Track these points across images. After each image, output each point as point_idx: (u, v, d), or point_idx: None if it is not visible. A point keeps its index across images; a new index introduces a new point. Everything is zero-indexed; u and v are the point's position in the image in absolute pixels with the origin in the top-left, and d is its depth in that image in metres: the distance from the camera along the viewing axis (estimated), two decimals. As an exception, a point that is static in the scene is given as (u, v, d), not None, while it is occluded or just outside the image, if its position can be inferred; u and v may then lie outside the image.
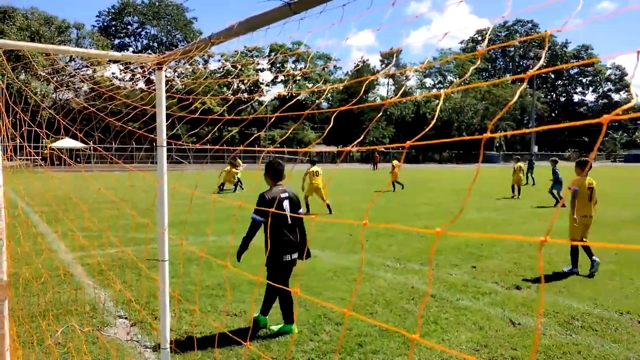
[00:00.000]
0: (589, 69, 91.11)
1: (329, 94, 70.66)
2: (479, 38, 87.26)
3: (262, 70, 65.68)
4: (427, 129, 1.25)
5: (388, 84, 79.96)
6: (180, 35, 69.41)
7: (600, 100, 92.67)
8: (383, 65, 77.35)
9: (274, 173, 4.82)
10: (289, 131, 56.66)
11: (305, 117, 65.67)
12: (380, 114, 64.22)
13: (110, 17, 68.20)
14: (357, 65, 56.33)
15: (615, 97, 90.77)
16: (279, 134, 58.69)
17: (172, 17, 69.14)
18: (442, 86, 74.54)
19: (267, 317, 4.91)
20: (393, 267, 7.39)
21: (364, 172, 39.45)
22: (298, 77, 68.21)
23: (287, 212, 4.67)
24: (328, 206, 13.09)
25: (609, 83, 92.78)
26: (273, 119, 56.65)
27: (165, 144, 4.05)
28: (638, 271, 7.12)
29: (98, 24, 68.33)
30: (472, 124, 69.17)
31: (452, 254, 8.23)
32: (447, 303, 5.66)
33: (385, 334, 4.69)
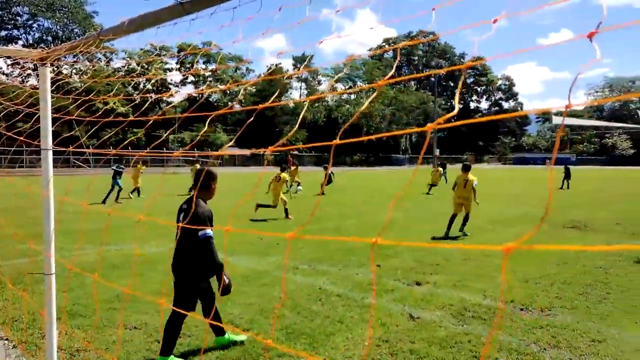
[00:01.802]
0: (482, 79, 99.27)
1: (242, 97, 69.76)
2: (387, 46, 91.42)
3: (171, 70, 63.08)
4: (290, 134, 1.27)
5: (301, 88, 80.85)
6: (79, 30, 64.28)
7: (492, 108, 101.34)
8: (295, 69, 77.99)
9: (193, 181, 4.37)
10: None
11: (217, 119, 64.21)
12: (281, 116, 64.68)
13: (-6, 5, 61.37)
14: (270, 68, 56.29)
15: (505, 105, 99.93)
16: (189, 136, 56.72)
17: (69, 9, 63.87)
18: (352, 91, 76.88)
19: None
20: (303, 269, 7.46)
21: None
22: (209, 79, 66.59)
23: (180, 225, 4.03)
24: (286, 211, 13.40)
25: (499, 92, 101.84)
26: (181, 121, 54.63)
27: (51, 146, 3.73)
28: (522, 263, 7.86)
29: (-21, 12, 61.15)
30: (379, 128, 72.15)
31: (361, 254, 8.50)
32: (353, 302, 5.83)
33: (291, 337, 4.71)
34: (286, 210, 13.33)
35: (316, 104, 74.15)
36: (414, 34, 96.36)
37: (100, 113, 3.48)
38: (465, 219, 10.73)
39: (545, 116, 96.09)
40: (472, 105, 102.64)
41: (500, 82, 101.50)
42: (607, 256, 8.37)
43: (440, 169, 24.43)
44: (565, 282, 6.82)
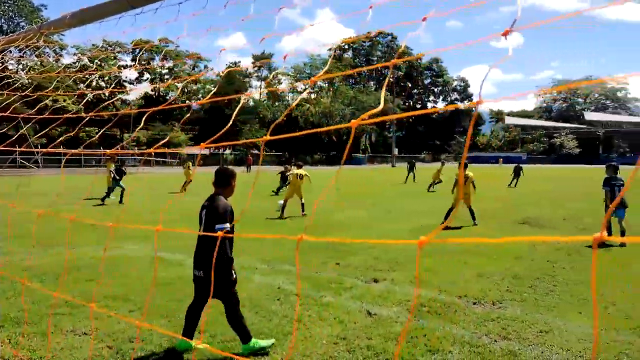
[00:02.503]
0: (439, 79, 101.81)
1: (200, 95, 68.57)
2: (346, 47, 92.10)
3: (125, 67, 61.10)
4: (221, 132, 1.25)
5: (260, 86, 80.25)
6: (25, 23, 61.22)
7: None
8: (255, 69, 77.44)
9: (214, 179, 4.36)
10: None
11: (174, 118, 62.76)
12: (253, 116, 64.03)
13: None
14: (229, 66, 55.54)
15: (461, 105, 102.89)
16: (145, 135, 55.12)
17: (15, 2, 60.75)
18: (312, 91, 76.95)
19: (190, 341, 4.24)
20: (262, 269, 7.40)
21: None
22: (166, 76, 65.02)
23: (202, 223, 4.28)
24: (302, 206, 13.95)
25: (455, 93, 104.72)
26: (135, 118, 53.10)
27: (-11, 145, 3.52)
28: (477, 259, 8.11)
29: None
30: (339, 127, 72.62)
31: (320, 252, 8.50)
32: (312, 301, 5.83)
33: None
34: (302, 206, 13.99)
35: (277, 103, 73.80)
36: (372, 34, 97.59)
37: (39, 108, 3.32)
38: (471, 212, 12.16)
39: (497, 116, 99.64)
40: (430, 105, 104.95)
41: (455, 83, 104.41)
42: (555, 251, 8.77)
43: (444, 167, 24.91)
44: (516, 276, 7.09)
